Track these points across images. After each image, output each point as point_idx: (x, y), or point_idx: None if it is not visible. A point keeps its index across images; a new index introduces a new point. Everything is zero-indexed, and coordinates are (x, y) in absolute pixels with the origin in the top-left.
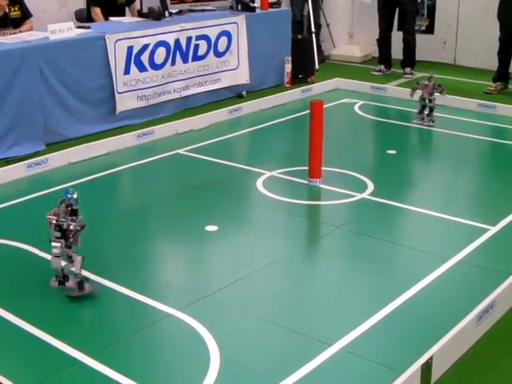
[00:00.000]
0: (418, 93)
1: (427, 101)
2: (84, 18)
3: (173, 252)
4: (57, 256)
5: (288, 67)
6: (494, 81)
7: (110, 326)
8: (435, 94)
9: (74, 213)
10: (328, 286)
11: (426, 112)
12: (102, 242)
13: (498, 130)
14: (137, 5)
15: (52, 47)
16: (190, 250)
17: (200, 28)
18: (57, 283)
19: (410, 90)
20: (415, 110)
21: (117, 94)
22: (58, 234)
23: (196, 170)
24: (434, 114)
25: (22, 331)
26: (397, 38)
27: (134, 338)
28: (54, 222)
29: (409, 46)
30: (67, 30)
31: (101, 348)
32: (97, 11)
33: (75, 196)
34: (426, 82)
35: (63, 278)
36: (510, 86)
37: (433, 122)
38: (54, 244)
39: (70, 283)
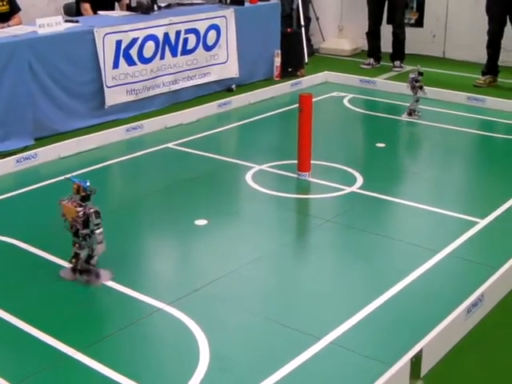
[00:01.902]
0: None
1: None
2: (73, 12)
3: (162, 246)
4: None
5: (277, 61)
6: (483, 74)
7: (100, 321)
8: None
9: (87, 199)
10: (317, 279)
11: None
12: None
13: (486, 123)
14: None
15: (41, 41)
16: (179, 244)
17: (189, 22)
18: (73, 274)
19: (399, 83)
20: (405, 104)
21: (106, 88)
22: (99, 221)
23: (185, 164)
24: (424, 107)
25: (11, 326)
26: (386, 31)
27: (124, 333)
28: (93, 210)
29: (398, 40)
30: (56, 25)
31: (91, 343)
32: (86, 7)
33: (88, 183)
34: (420, 78)
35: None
36: (498, 79)
37: (410, 114)
38: (99, 231)
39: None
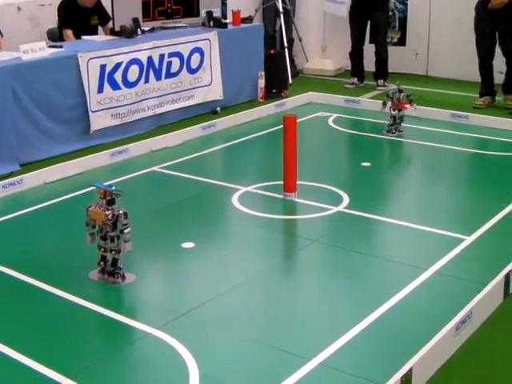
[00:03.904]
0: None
1: (397, 111)
2: (56, 37)
3: (149, 270)
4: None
5: (261, 82)
6: (481, 95)
7: (89, 346)
8: (407, 105)
9: (112, 202)
10: (306, 300)
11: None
12: (79, 260)
13: (471, 140)
14: (110, 24)
15: (25, 67)
16: (166, 268)
17: (173, 45)
18: (102, 275)
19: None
20: (388, 122)
21: (90, 113)
22: (127, 221)
23: (171, 187)
24: (408, 125)
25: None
26: (369, 50)
27: (113, 358)
28: (121, 211)
29: (381, 58)
30: (39, 50)
31: (80, 369)
32: (68, 33)
33: (113, 187)
34: (398, 95)
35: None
36: (496, 99)
37: (400, 131)
38: (127, 230)
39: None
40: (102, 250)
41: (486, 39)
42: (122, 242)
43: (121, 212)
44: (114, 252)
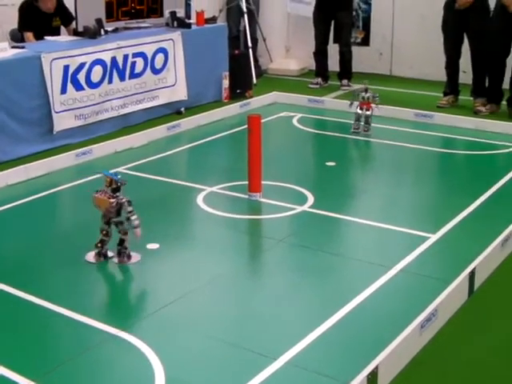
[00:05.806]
0: (355, 103)
1: (364, 110)
2: (19, 38)
3: (114, 270)
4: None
5: (226, 82)
6: (445, 94)
7: (52, 349)
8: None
9: (118, 190)
10: (271, 299)
11: (361, 122)
12: (42, 264)
13: (434, 138)
14: (73, 24)
15: None
16: (131, 268)
17: (136, 45)
18: (98, 257)
19: (348, 101)
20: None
21: (54, 114)
22: (131, 208)
23: (136, 188)
24: (373, 124)
25: None
26: (333, 50)
27: (77, 361)
28: (124, 199)
29: (345, 58)
30: (2, 51)
31: (43, 373)
32: (29, 36)
33: (119, 176)
34: (364, 94)
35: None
36: (460, 98)
37: (365, 131)
38: (134, 217)
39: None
40: (104, 233)
41: (454, 38)
42: (132, 229)
43: (124, 200)
44: (122, 232)
